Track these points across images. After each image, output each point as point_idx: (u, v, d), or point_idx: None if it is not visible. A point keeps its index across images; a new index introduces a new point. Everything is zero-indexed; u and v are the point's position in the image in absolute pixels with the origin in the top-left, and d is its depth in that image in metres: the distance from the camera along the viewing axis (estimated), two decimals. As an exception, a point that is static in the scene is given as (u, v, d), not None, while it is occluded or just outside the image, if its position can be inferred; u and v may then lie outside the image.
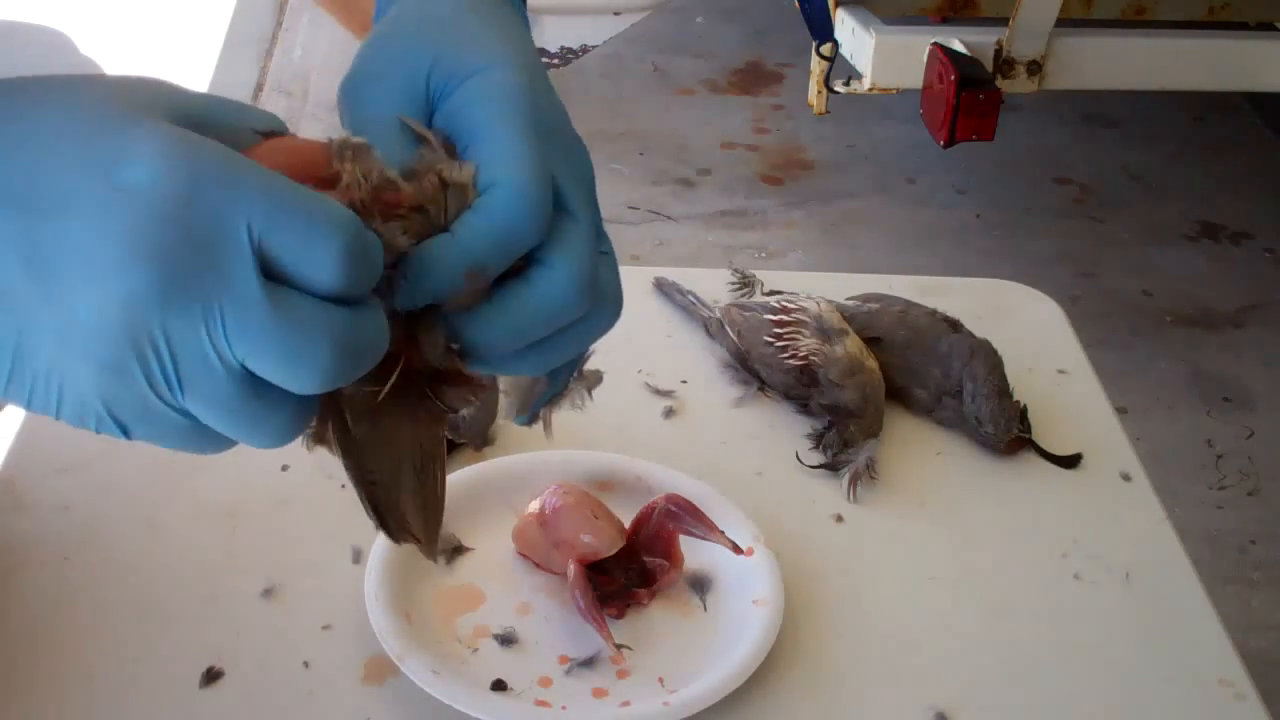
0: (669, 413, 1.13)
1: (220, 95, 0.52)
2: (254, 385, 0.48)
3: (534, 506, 0.95)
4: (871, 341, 1.14)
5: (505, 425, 1.08)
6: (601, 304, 0.57)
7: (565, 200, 0.57)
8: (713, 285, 1.25)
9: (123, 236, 0.45)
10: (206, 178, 0.46)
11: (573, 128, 0.60)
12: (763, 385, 1.15)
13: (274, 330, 0.46)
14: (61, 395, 0.47)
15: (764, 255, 3.18)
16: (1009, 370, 1.12)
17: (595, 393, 1.13)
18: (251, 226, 0.46)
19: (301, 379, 0.48)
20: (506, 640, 0.90)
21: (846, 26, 2.93)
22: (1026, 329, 1.25)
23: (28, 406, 0.48)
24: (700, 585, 0.95)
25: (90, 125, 0.46)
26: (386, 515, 0.60)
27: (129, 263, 0.45)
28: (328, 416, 0.56)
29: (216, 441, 0.51)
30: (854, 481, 1.05)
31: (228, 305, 0.46)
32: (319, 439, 0.57)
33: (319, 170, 0.52)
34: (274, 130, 0.52)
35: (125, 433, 0.49)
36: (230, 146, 0.48)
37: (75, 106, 0.47)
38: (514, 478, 1.01)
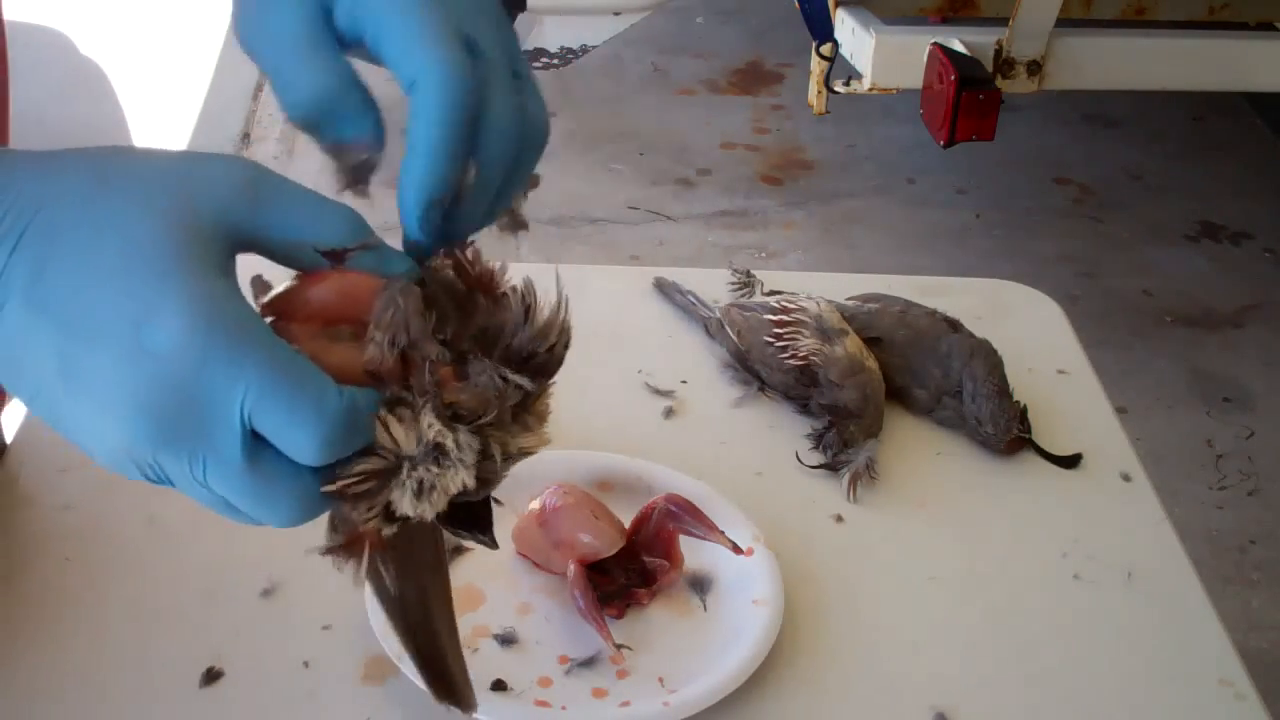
0: (669, 413, 1.13)
1: (300, 190, 0.56)
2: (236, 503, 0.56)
3: (534, 506, 0.95)
4: (871, 341, 1.14)
5: (505, 425, 1.08)
6: (535, 129, 0.63)
7: (475, 45, 0.60)
8: (713, 285, 1.25)
9: (134, 390, 0.52)
10: (215, 358, 0.52)
11: None
12: (763, 385, 1.15)
13: (248, 487, 0.54)
14: (95, 455, 0.55)
15: (764, 255, 3.18)
16: (1009, 370, 1.12)
17: (596, 392, 1.13)
18: (245, 404, 0.53)
19: (272, 520, 0.56)
20: (506, 640, 0.90)
21: (846, 26, 2.93)
22: (1026, 329, 1.25)
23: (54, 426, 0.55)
24: (700, 585, 0.95)
25: (137, 274, 0.52)
26: (431, 664, 0.65)
27: (134, 413, 0.52)
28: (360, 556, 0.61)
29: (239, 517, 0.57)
30: (854, 481, 1.05)
31: (210, 461, 0.53)
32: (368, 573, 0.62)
33: (364, 312, 0.56)
34: (337, 248, 0.56)
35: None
36: (288, 262, 0.56)
37: (133, 241, 0.53)
38: (514, 478, 1.00)
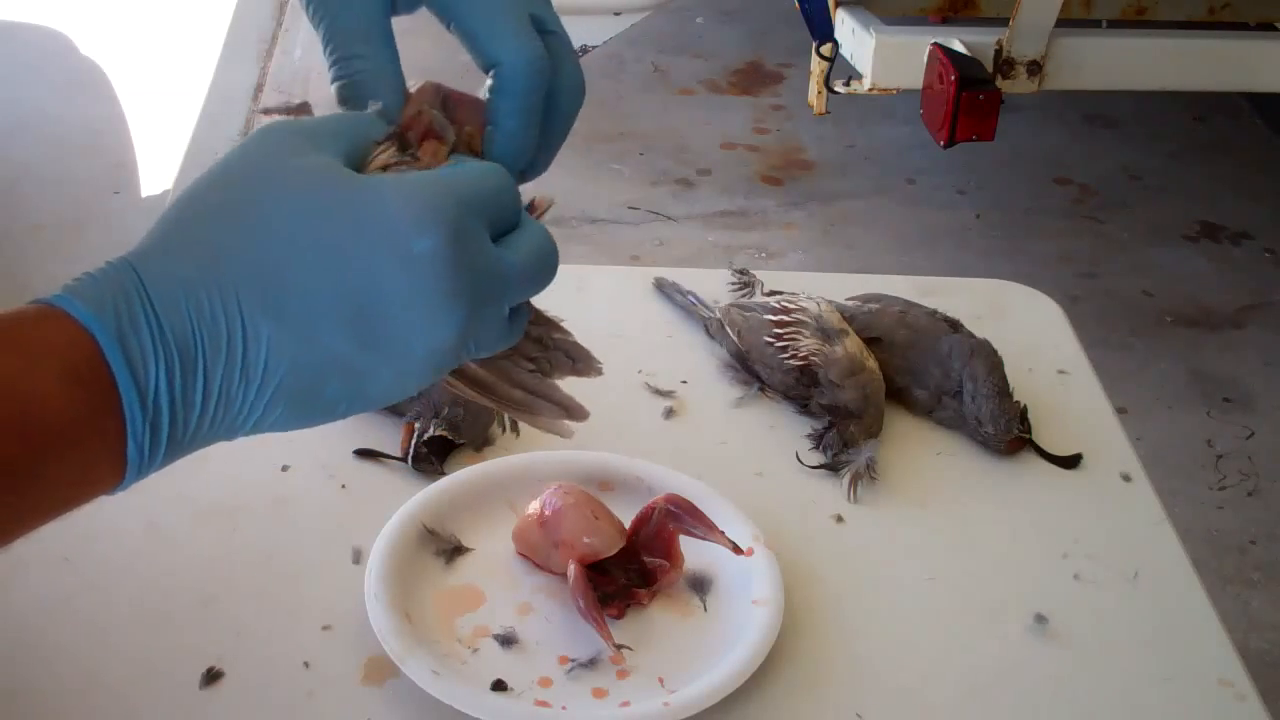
0: (669, 413, 1.13)
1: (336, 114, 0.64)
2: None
3: (534, 506, 0.95)
4: (871, 341, 1.14)
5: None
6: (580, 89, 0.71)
7: (545, 24, 0.69)
8: (713, 285, 1.25)
9: (433, 291, 0.58)
10: (462, 226, 0.59)
11: None
12: (763, 385, 1.15)
13: (531, 262, 0.63)
14: (383, 402, 0.61)
15: (764, 255, 3.18)
16: (1009, 370, 1.12)
17: (596, 392, 1.13)
18: (491, 226, 0.61)
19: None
20: (506, 640, 0.90)
21: (846, 26, 2.93)
22: (1026, 329, 1.25)
23: (345, 416, 0.61)
24: (700, 585, 0.95)
25: (378, 224, 0.57)
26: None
27: (452, 304, 0.58)
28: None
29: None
30: (854, 481, 1.05)
31: (505, 289, 0.61)
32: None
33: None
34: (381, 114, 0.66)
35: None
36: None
37: (361, 204, 0.58)
38: (514, 478, 1.01)
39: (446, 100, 0.69)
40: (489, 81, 0.68)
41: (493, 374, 0.70)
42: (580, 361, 0.72)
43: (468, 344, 0.61)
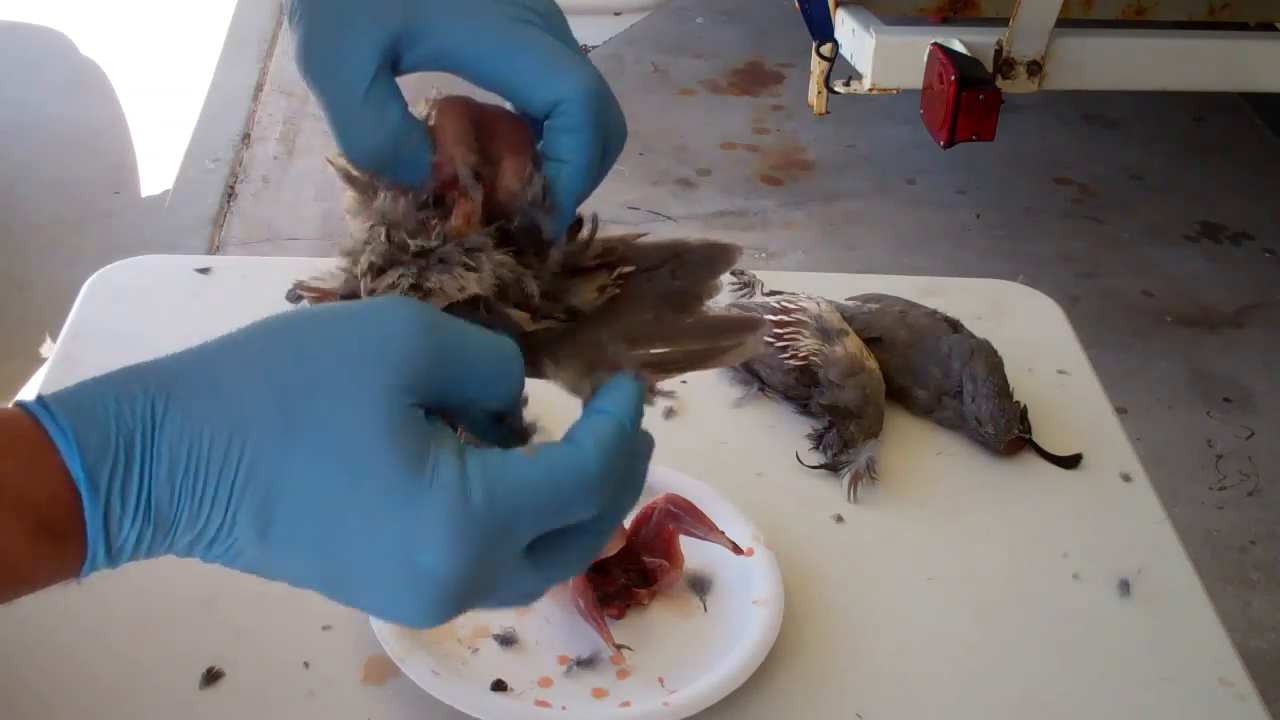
0: (669, 413, 1.13)
1: (474, 339, 0.56)
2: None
3: (534, 506, 0.95)
4: (871, 341, 1.14)
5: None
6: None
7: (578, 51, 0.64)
8: (713, 285, 1.25)
9: (423, 600, 0.54)
10: (485, 557, 0.53)
11: None
12: (763, 385, 1.15)
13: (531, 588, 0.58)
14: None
15: (764, 255, 3.18)
16: (1009, 370, 1.12)
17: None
18: (537, 532, 0.55)
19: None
20: (506, 640, 0.90)
21: (846, 26, 2.93)
22: (1026, 329, 1.25)
23: None
24: (700, 585, 0.95)
25: (379, 497, 0.53)
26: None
27: (431, 608, 0.54)
28: None
29: None
30: (854, 481, 1.05)
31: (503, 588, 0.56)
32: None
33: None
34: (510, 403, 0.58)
35: None
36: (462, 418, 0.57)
37: (357, 458, 0.53)
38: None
39: (478, 124, 0.63)
40: (549, 123, 0.63)
41: (659, 352, 0.64)
42: (716, 258, 0.66)
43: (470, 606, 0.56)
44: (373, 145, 0.62)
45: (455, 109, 0.64)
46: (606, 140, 0.64)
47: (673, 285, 0.65)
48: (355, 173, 0.63)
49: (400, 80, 0.63)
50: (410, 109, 0.63)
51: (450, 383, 0.55)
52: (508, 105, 0.65)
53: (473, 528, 0.53)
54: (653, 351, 0.64)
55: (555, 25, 0.64)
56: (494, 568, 0.54)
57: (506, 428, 0.59)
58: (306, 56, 0.62)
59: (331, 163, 0.64)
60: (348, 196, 0.64)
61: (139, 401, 0.52)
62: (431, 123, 0.63)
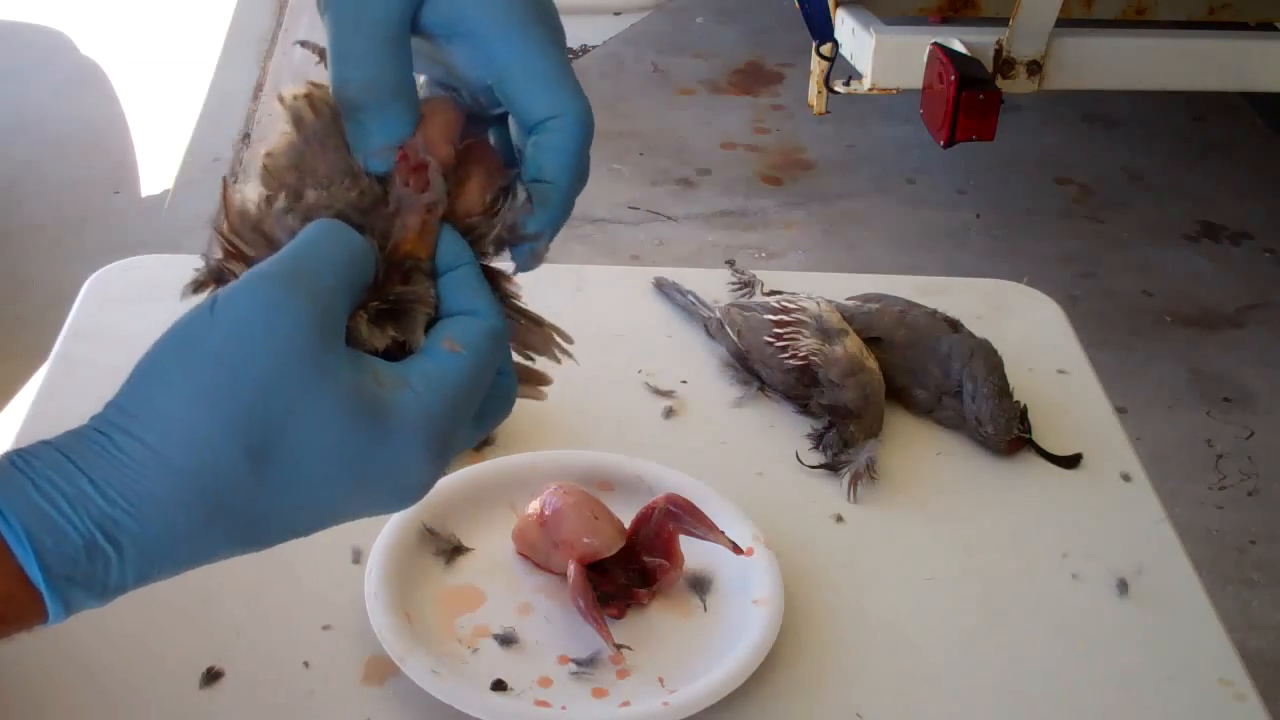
0: (669, 413, 1.13)
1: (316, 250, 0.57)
2: None
3: (534, 506, 0.95)
4: (871, 341, 1.14)
5: (506, 425, 1.08)
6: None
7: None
8: (713, 285, 1.25)
9: (405, 504, 0.60)
10: (449, 444, 0.59)
11: None
12: (763, 385, 1.15)
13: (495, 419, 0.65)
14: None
15: (764, 255, 3.18)
16: (1009, 370, 1.12)
17: (596, 392, 1.13)
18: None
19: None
20: (506, 640, 0.90)
21: (846, 26, 2.92)
22: (1026, 329, 1.25)
23: None
24: (700, 585, 0.95)
25: (360, 460, 0.56)
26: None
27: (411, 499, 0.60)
28: None
29: None
30: (854, 481, 1.05)
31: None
32: None
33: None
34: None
35: None
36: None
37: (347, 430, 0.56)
38: (514, 478, 1.01)
39: (464, 136, 0.62)
40: (534, 139, 0.62)
41: None
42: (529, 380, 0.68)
43: None
44: (375, 78, 0.60)
45: (449, 108, 0.63)
46: (580, 175, 0.64)
47: None
48: (311, 115, 0.61)
49: None
50: None
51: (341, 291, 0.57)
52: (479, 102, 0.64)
53: (440, 436, 0.58)
54: None
55: (560, 37, 0.63)
56: (452, 450, 0.60)
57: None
58: None
59: (282, 100, 0.62)
60: (283, 139, 0.62)
61: (93, 504, 0.53)
62: (428, 103, 0.62)
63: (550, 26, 0.62)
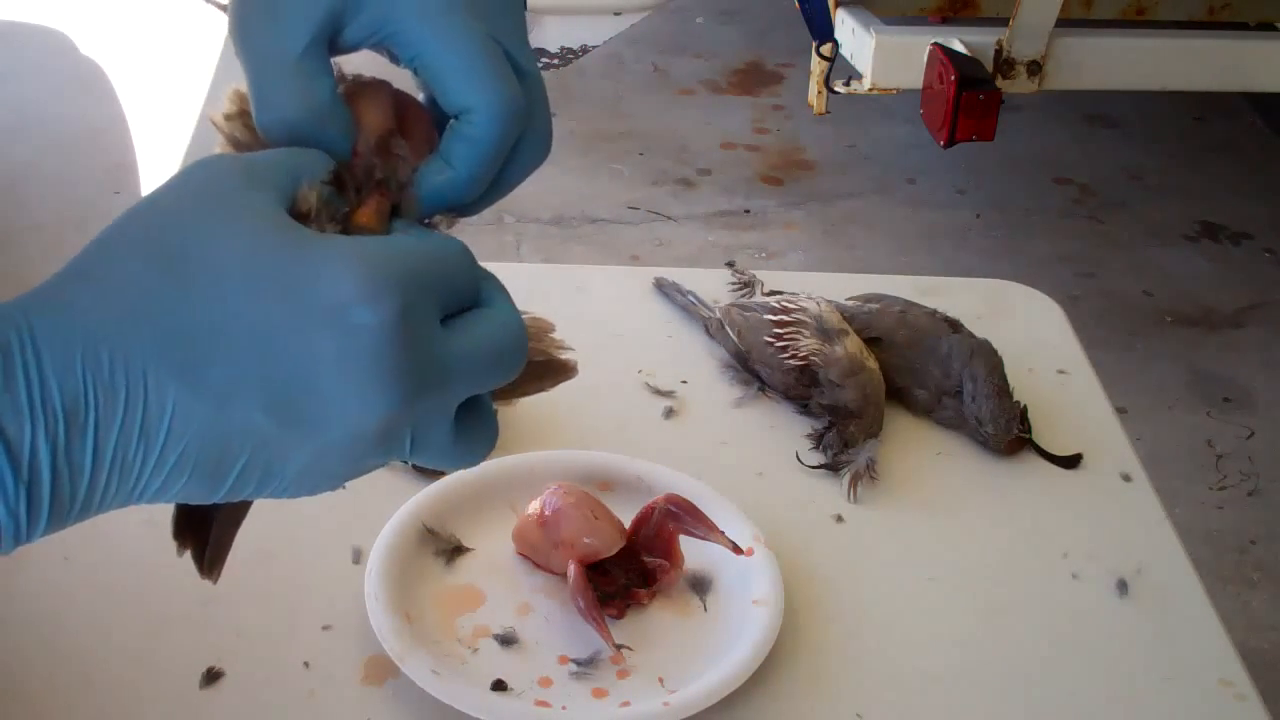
0: (669, 413, 1.13)
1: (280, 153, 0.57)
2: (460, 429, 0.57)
3: (534, 506, 0.95)
4: (871, 341, 1.14)
5: (505, 425, 1.08)
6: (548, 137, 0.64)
7: (519, 63, 0.61)
8: (713, 285, 1.25)
9: (368, 367, 0.51)
10: (410, 301, 0.52)
11: None
12: (763, 385, 1.15)
13: (487, 352, 0.56)
14: (300, 488, 0.55)
15: (764, 255, 3.18)
16: (1009, 370, 1.12)
17: (596, 392, 1.13)
18: (442, 307, 0.54)
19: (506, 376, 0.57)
20: (506, 640, 0.90)
21: (846, 26, 2.93)
22: (1026, 329, 1.25)
23: (256, 496, 0.56)
24: (700, 585, 0.95)
25: (321, 290, 0.51)
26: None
27: (387, 381, 0.52)
28: None
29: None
30: (854, 481, 1.05)
31: (450, 379, 0.54)
32: None
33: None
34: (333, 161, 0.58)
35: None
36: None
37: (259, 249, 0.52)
38: (514, 478, 1.01)
39: (400, 114, 0.62)
40: (453, 123, 0.60)
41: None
42: (557, 371, 0.65)
43: (402, 438, 0.54)
44: (295, 118, 0.58)
45: (379, 99, 0.61)
46: (519, 157, 0.62)
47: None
48: (248, 136, 0.61)
49: None
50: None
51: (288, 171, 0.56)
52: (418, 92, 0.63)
53: (380, 273, 0.51)
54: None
55: (503, 26, 0.61)
56: (421, 330, 0.53)
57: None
58: (240, 16, 0.60)
59: (215, 123, 0.61)
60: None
61: (9, 309, 0.50)
62: (352, 105, 0.61)
63: (480, 14, 0.60)
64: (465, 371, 0.54)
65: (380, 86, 0.62)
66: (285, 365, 0.51)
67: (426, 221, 0.61)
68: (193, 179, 0.54)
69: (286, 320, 0.51)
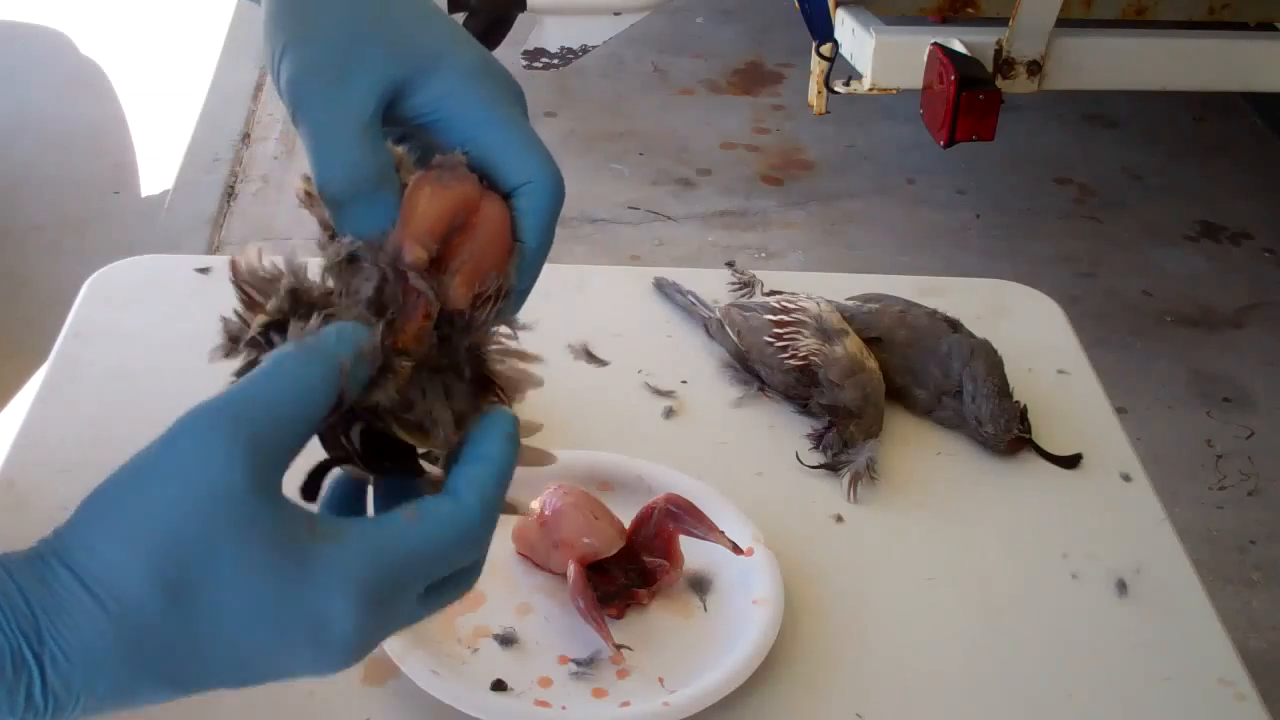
0: (669, 413, 1.13)
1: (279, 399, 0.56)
2: None
3: (534, 506, 0.95)
4: (871, 341, 1.14)
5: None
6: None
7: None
8: (713, 285, 1.25)
9: (339, 660, 0.57)
10: (399, 604, 0.57)
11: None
12: (763, 385, 1.15)
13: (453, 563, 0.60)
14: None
15: (764, 255, 3.18)
16: (1009, 370, 1.12)
17: (596, 392, 1.13)
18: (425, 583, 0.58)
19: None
20: (506, 640, 0.90)
21: (846, 26, 2.92)
22: (1026, 329, 1.25)
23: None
24: (700, 585, 0.95)
25: (282, 598, 0.55)
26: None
27: (346, 662, 0.57)
28: None
29: None
30: (854, 481, 1.05)
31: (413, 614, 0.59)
32: None
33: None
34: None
35: None
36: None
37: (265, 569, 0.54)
38: (514, 478, 1.01)
39: (466, 207, 0.62)
40: (511, 200, 0.63)
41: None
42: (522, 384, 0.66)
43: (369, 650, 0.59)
44: (355, 176, 0.60)
45: (447, 190, 0.62)
46: (549, 239, 0.65)
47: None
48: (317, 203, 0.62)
49: None
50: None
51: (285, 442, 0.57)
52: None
53: (370, 593, 0.55)
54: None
55: (524, 107, 0.65)
56: (389, 619, 0.57)
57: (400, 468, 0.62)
58: (303, 74, 0.61)
59: (302, 202, 0.63)
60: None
61: (22, 614, 0.52)
62: (415, 185, 0.62)
63: (516, 102, 0.64)
64: (426, 598, 0.59)
65: (455, 176, 0.62)
66: (263, 674, 0.58)
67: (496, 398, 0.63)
68: (195, 475, 0.54)
69: (278, 650, 0.56)
